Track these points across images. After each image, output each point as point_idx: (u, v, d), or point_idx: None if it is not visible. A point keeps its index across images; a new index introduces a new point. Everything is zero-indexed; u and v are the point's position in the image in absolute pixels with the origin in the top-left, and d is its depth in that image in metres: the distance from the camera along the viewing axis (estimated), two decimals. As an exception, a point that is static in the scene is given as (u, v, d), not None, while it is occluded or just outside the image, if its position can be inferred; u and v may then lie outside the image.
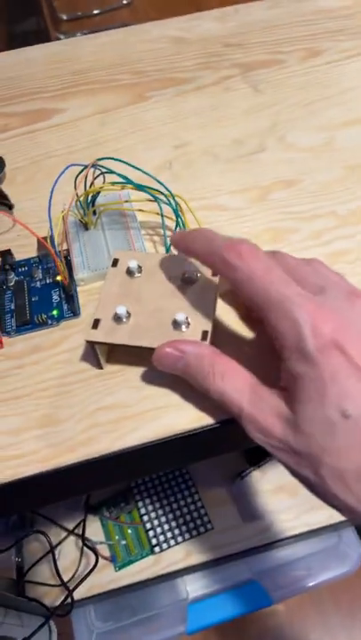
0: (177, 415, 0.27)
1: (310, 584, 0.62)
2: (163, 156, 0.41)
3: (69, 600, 0.49)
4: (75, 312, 0.32)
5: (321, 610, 0.92)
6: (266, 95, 0.46)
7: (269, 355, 0.25)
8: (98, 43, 0.55)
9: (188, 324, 0.27)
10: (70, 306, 0.32)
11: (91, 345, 0.27)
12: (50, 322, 0.31)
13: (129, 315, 0.28)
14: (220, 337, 0.29)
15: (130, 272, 0.30)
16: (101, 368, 0.29)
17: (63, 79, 0.51)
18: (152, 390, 0.28)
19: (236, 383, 0.24)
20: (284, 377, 0.23)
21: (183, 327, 0.27)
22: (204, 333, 0.26)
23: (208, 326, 0.27)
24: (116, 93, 0.49)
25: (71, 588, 0.53)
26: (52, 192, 0.32)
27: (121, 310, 0.27)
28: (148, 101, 0.47)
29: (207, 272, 0.29)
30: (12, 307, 0.32)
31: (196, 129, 0.44)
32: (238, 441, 0.29)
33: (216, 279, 0.29)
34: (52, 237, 0.32)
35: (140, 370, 0.29)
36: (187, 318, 0.27)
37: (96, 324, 0.27)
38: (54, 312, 0.32)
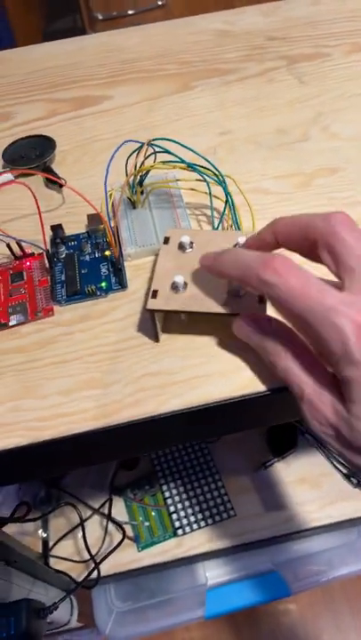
0: (220, 383, 0.28)
1: (329, 577, 0.62)
2: (208, 142, 0.43)
3: (95, 574, 0.51)
4: (123, 285, 0.33)
5: (333, 608, 0.92)
6: (310, 87, 0.47)
7: None
8: (145, 34, 0.57)
9: (244, 291, 0.28)
10: (118, 279, 0.33)
11: (151, 314, 0.29)
12: (98, 293, 0.33)
13: (185, 284, 0.29)
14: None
15: (182, 247, 0.31)
16: (157, 340, 0.30)
17: (111, 68, 0.52)
18: (196, 360, 0.29)
19: (304, 366, 0.25)
20: (337, 377, 0.24)
21: (240, 293, 0.28)
22: (261, 297, 0.28)
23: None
24: (162, 82, 0.50)
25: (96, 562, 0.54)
26: (107, 167, 0.33)
27: (179, 279, 0.28)
28: (193, 90, 0.49)
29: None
30: (63, 278, 0.34)
31: (239, 118, 0.45)
32: (277, 414, 0.30)
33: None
34: (107, 213, 0.33)
35: (184, 340, 0.30)
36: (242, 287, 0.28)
37: (155, 294, 0.29)
38: (103, 284, 0.33)
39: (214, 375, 0.28)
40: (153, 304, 0.28)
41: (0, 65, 0.55)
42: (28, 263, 0.35)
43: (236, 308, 0.28)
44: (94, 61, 0.53)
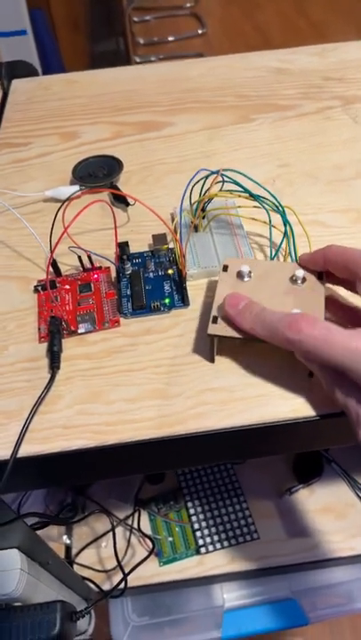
0: (279, 403, 0.30)
1: (348, 609, 0.62)
2: (267, 174, 0.45)
3: (122, 585, 0.51)
4: (185, 302, 0.35)
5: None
6: (365, 127, 0.49)
7: None
8: (205, 66, 0.60)
9: None
10: (182, 296, 0.35)
11: (210, 338, 0.30)
12: (162, 308, 0.34)
13: None
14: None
15: (240, 276, 0.33)
16: (213, 361, 0.32)
17: (173, 96, 0.55)
18: (255, 379, 0.31)
19: None
20: None
21: None
22: None
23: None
24: (222, 113, 0.52)
25: (119, 574, 0.55)
26: (184, 193, 0.36)
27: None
28: (252, 123, 0.51)
29: (313, 275, 0.32)
30: (128, 292, 0.36)
31: (297, 152, 0.47)
32: (333, 438, 0.31)
33: (322, 283, 0.31)
34: (180, 234, 0.35)
35: (244, 359, 0.32)
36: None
37: (215, 319, 0.30)
38: (166, 300, 0.35)
39: (273, 396, 0.30)
40: (213, 329, 0.30)
41: (68, 86, 0.58)
42: (95, 276, 0.37)
43: None
44: (157, 89, 0.56)
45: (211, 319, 0.31)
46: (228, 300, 0.30)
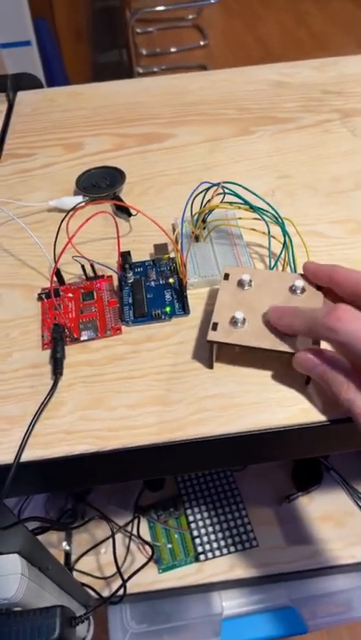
0: (277, 410, 0.30)
1: (347, 617, 0.62)
2: (266, 185, 0.46)
3: (121, 591, 0.52)
4: (186, 311, 0.35)
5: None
6: (363, 140, 0.50)
7: None
8: (207, 79, 0.61)
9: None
10: (182, 305, 0.36)
11: (210, 344, 0.31)
12: (163, 317, 0.35)
13: (244, 320, 0.31)
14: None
15: (241, 284, 0.33)
16: (212, 367, 0.32)
17: (175, 108, 0.56)
18: (254, 386, 0.31)
19: None
20: None
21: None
22: (315, 340, 0.30)
23: None
24: (223, 125, 0.54)
25: (119, 580, 0.55)
26: (186, 203, 0.36)
27: (239, 315, 0.31)
28: (252, 135, 0.52)
29: (312, 286, 0.32)
30: (130, 300, 0.36)
31: (297, 164, 0.48)
32: (331, 445, 0.32)
33: (320, 292, 0.32)
34: (181, 243, 0.36)
35: (243, 367, 0.32)
36: None
37: (215, 326, 0.31)
38: (167, 309, 0.36)
39: (272, 403, 0.30)
40: (213, 336, 0.31)
41: (72, 98, 0.59)
42: (98, 284, 0.38)
43: (292, 346, 0.30)
44: (160, 101, 0.57)
45: (211, 326, 0.31)
46: (272, 310, 0.31)
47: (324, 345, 0.30)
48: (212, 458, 0.33)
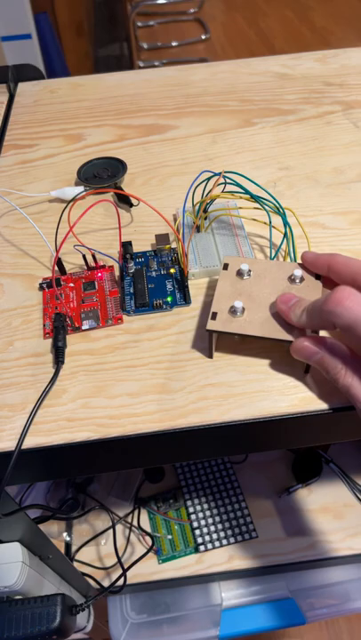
0: (277, 399, 0.30)
1: (345, 609, 0.62)
2: (268, 176, 0.46)
3: (120, 581, 0.52)
4: (187, 301, 0.36)
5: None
6: (365, 132, 0.50)
7: None
8: (209, 71, 0.61)
9: None
10: (183, 295, 0.36)
11: (209, 333, 0.31)
12: (164, 306, 0.35)
13: (243, 309, 0.31)
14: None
15: (240, 274, 0.33)
16: (211, 357, 0.32)
17: (177, 100, 0.56)
18: (254, 375, 0.32)
19: None
20: None
21: None
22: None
23: None
24: (224, 117, 0.53)
25: (118, 570, 0.55)
26: (187, 192, 0.36)
27: (238, 304, 0.31)
28: (254, 127, 0.52)
29: (311, 276, 0.33)
30: (132, 290, 0.36)
31: (298, 155, 0.48)
32: (331, 434, 0.32)
33: (319, 282, 0.32)
34: (183, 234, 0.36)
35: (243, 356, 0.32)
36: None
37: (214, 316, 0.31)
38: (168, 298, 0.36)
39: (272, 391, 0.31)
40: (212, 325, 0.31)
41: (74, 90, 0.59)
42: (99, 274, 0.38)
43: (291, 334, 0.30)
44: (161, 93, 0.57)
45: (210, 315, 0.31)
46: (281, 298, 0.31)
47: (322, 333, 0.31)
48: (212, 445, 0.33)
